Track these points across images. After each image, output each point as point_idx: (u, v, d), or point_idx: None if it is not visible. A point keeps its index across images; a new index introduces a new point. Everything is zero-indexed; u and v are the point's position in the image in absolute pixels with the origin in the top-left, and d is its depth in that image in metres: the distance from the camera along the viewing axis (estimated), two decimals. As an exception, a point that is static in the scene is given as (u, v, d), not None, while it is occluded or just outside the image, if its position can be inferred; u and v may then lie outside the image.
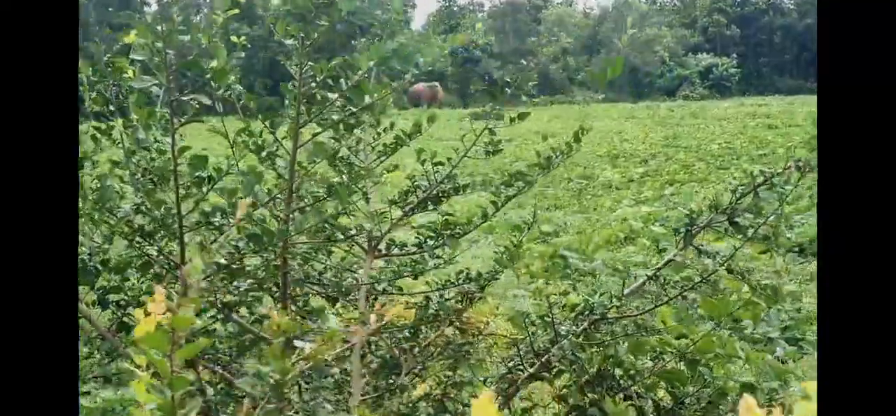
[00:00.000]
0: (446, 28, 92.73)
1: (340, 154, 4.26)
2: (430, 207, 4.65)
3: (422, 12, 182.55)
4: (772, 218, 4.28)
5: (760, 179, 4.35)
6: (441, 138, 29.53)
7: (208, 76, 3.63)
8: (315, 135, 3.82)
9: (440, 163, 4.61)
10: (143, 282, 4.31)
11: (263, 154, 3.96)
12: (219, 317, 4.12)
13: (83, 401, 6.44)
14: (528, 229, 4.94)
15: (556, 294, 6.83)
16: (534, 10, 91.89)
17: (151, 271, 4.06)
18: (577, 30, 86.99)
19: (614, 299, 4.56)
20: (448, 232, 4.59)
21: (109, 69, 3.80)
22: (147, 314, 2.29)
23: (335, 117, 3.78)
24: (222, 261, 3.70)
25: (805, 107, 37.91)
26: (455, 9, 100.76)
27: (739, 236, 4.37)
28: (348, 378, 3.71)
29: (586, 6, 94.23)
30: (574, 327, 4.59)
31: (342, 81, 3.72)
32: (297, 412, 3.24)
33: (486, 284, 4.61)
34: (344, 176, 4.18)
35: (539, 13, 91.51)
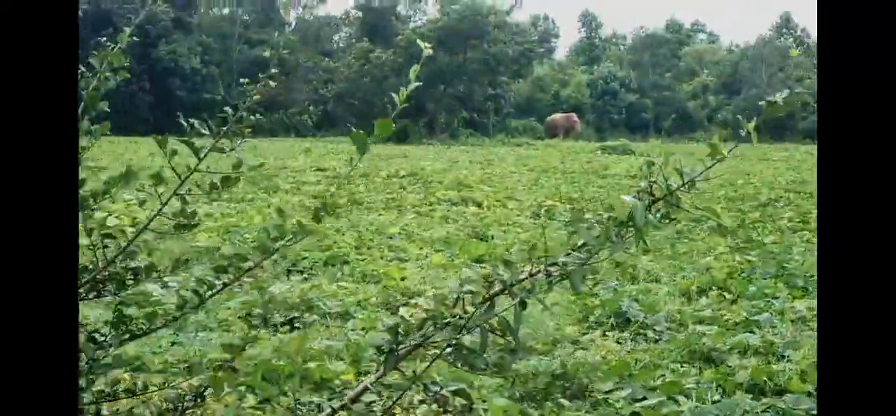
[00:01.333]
0: (587, 59, 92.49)
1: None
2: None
3: (564, 43, 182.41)
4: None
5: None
6: (567, 171, 29.41)
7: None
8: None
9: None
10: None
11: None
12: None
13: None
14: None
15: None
16: (676, 45, 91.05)
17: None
18: (719, 67, 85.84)
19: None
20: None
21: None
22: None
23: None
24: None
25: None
26: (597, 41, 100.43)
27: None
28: None
29: (733, 43, 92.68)
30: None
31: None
32: None
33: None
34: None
35: (681, 48, 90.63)
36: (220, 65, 68.64)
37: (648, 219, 3.73)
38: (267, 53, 68.64)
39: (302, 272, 10.54)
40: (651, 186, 3.78)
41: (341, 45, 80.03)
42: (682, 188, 3.78)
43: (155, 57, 62.91)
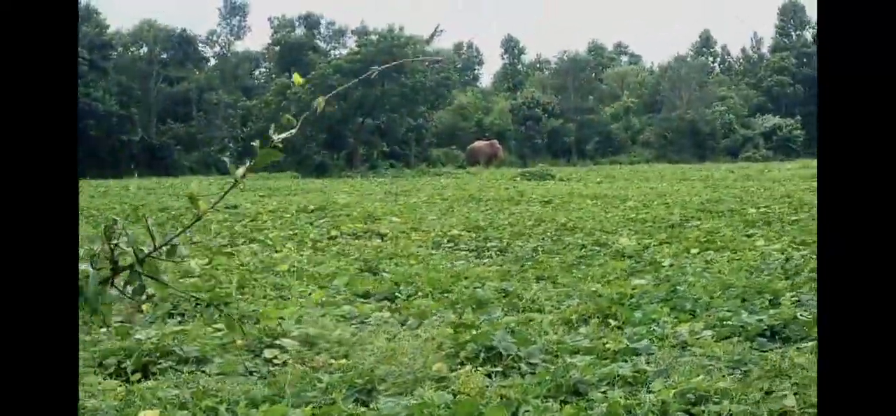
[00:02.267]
0: (510, 85, 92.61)
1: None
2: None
3: (489, 70, 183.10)
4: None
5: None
6: (483, 198, 29.12)
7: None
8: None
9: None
10: None
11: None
12: None
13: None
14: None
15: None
16: (599, 67, 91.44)
17: None
18: (640, 88, 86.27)
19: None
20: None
21: None
22: None
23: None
24: None
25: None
26: (520, 67, 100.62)
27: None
28: None
29: (655, 64, 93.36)
30: None
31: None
32: None
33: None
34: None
35: (603, 71, 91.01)
36: (139, 103, 67.83)
37: (106, 294, 3.35)
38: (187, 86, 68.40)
39: (182, 315, 10.13)
40: (113, 253, 3.38)
41: (261, 80, 79.48)
42: (155, 254, 3.39)
43: (70, 99, 61.88)
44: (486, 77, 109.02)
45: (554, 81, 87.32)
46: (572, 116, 79.24)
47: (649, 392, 6.16)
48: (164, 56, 75.49)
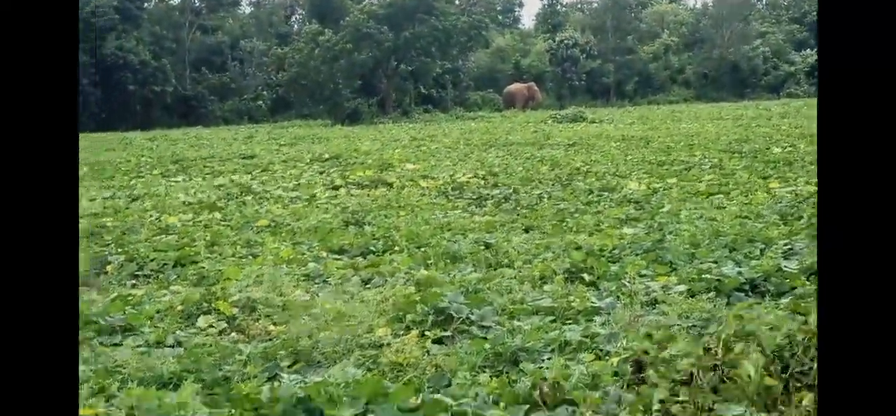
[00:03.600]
0: (550, 27, 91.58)
1: None
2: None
3: (529, 12, 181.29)
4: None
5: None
6: (509, 143, 28.47)
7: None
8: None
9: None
10: None
11: None
12: None
13: None
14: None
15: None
16: (639, 7, 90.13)
17: None
18: (680, 27, 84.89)
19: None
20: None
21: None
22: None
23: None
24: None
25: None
26: (560, 8, 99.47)
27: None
28: None
29: (697, 1, 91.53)
30: None
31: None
32: None
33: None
34: None
35: (643, 11, 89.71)
36: (173, 53, 67.39)
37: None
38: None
39: (148, 276, 9.70)
40: None
41: (296, 27, 78.79)
42: None
43: (103, 51, 61.61)
44: (527, 19, 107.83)
45: (593, 21, 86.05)
46: (611, 56, 78.06)
47: (579, 364, 5.58)
48: (198, 4, 74.97)
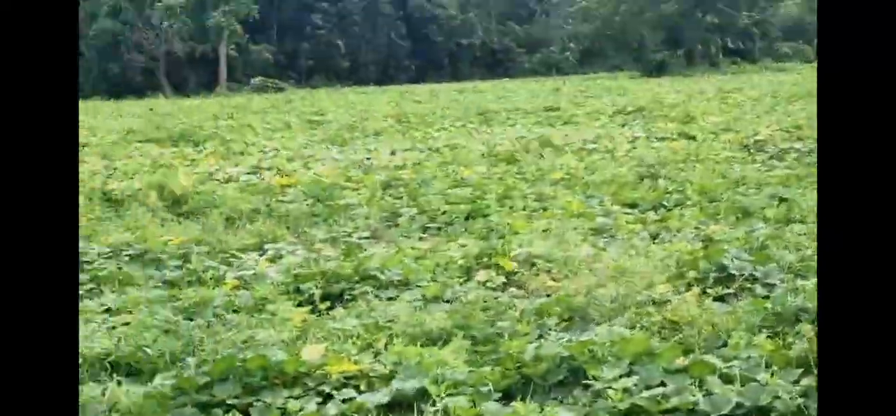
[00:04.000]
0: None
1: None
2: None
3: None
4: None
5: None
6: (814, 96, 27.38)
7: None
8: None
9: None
10: None
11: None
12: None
13: None
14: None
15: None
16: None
17: None
18: None
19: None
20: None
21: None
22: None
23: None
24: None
25: None
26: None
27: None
28: None
29: None
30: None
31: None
32: None
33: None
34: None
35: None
36: (478, 6, 68.17)
37: None
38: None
39: (438, 229, 9.83)
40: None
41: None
42: None
43: (410, 5, 62.97)
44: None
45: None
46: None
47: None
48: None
